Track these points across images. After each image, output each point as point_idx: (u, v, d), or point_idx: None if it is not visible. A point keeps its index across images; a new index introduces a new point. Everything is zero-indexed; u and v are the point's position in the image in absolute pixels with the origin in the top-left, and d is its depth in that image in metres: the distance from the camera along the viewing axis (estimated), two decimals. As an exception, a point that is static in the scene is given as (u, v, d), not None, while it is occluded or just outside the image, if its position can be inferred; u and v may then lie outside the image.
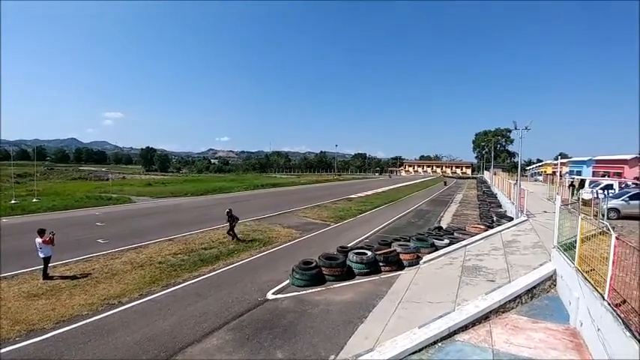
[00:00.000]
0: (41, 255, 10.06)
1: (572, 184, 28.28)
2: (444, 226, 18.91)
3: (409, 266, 11.52)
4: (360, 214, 24.64)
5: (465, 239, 13.85)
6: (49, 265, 10.31)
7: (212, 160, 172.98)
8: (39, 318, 7.71)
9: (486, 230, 15.46)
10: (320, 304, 8.73)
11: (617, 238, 5.63)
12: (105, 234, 15.76)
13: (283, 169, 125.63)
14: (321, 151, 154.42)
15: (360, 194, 38.97)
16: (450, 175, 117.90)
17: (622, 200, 17.26)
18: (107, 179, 54.62)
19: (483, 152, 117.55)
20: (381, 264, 11.23)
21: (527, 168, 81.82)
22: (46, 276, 10.05)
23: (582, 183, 27.29)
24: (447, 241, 13.63)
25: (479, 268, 10.02)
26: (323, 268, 10.41)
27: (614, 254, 5.56)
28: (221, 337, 7.07)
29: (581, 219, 7.73)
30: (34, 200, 25.67)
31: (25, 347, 6.60)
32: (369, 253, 11.38)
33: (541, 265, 9.32)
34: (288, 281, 10.28)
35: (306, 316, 8.05)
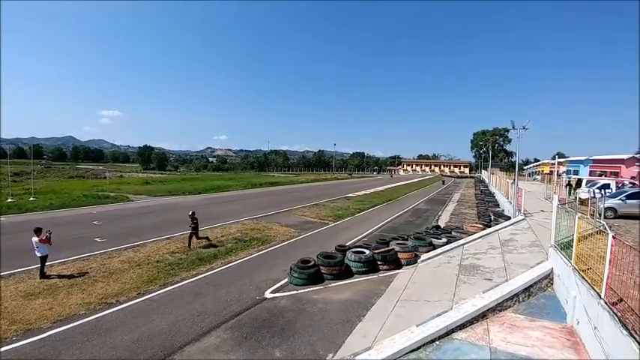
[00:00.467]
0: (38, 254, 10.03)
1: (569, 184, 28.42)
2: (442, 225, 18.94)
3: (407, 265, 11.54)
4: (359, 212, 24.65)
5: (462, 238, 13.88)
6: (46, 264, 10.29)
7: (210, 159, 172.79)
8: (36, 317, 7.69)
9: (484, 229, 15.49)
10: (318, 302, 8.74)
11: (614, 237, 5.66)
12: (102, 233, 15.70)
13: (281, 167, 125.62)
14: (320, 150, 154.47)
15: (358, 193, 39.00)
16: (448, 174, 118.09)
17: (619, 199, 17.35)
18: (104, 178, 54.47)
19: (481, 151, 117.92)
20: (379, 263, 11.24)
21: (525, 167, 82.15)
22: (43, 275, 10.01)
23: (579, 182, 27.43)
24: (444, 239, 13.66)
25: (476, 267, 10.06)
26: (321, 267, 10.42)
27: (610, 253, 5.59)
28: (219, 336, 7.07)
29: (578, 218, 7.78)
30: (31, 199, 25.57)
31: (23, 347, 6.58)
32: (367, 251, 11.39)
33: (538, 263, 9.36)
34: (286, 280, 10.28)
35: (305, 314, 8.05)
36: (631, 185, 23.16)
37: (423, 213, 26.40)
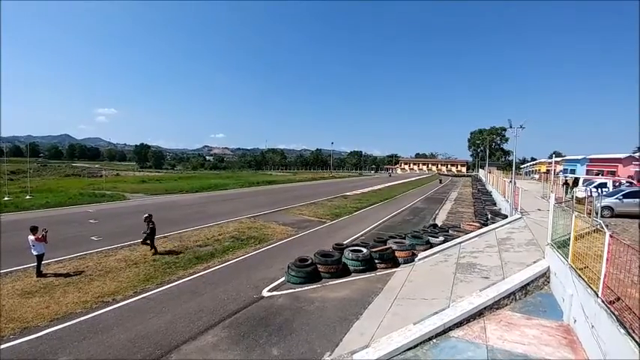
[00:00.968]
0: (34, 252, 9.97)
1: (565, 183, 28.55)
2: (439, 224, 18.97)
3: (404, 263, 11.56)
4: (356, 211, 24.66)
5: (459, 237, 13.90)
6: (43, 262, 10.23)
7: (207, 157, 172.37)
8: (33, 316, 7.64)
9: (481, 228, 15.53)
10: (315, 301, 8.73)
11: (611, 236, 5.68)
12: (99, 231, 15.62)
13: (279, 166, 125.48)
14: (317, 149, 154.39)
15: (355, 192, 39.04)
16: (446, 173, 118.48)
17: (616, 198, 17.44)
18: (101, 176, 54.16)
19: (478, 150, 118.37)
20: (376, 261, 11.25)
21: (522, 166, 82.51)
22: (39, 273, 9.96)
23: (576, 181, 27.55)
24: (441, 238, 13.68)
25: (473, 265, 10.08)
26: (319, 266, 10.41)
27: (607, 252, 5.61)
28: (216, 335, 7.05)
29: (575, 217, 7.81)
30: (27, 197, 25.40)
31: (20, 345, 6.54)
32: (365, 250, 11.40)
33: (535, 262, 9.38)
34: (283, 278, 10.26)
35: (302, 313, 8.05)
36: (628, 184, 23.29)
37: (421, 212, 26.44)
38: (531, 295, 8.31)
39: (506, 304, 7.80)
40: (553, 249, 8.72)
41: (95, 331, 7.10)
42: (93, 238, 14.42)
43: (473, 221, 18.15)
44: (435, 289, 8.76)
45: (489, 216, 19.34)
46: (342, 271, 10.67)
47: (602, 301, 5.50)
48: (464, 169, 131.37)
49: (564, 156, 59.43)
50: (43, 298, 8.55)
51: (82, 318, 7.63)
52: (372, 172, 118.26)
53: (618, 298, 5.27)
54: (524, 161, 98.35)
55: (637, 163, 32.89)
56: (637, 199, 16.82)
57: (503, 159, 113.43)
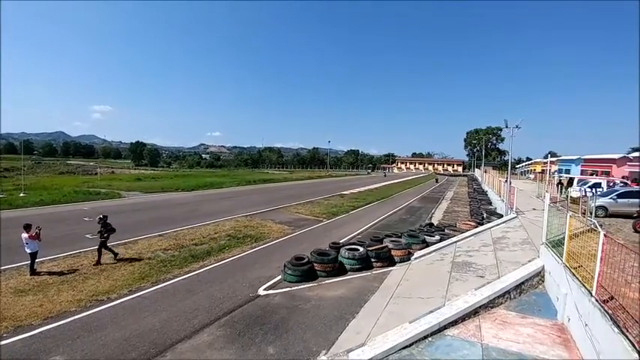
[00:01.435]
0: (28, 250, 9.87)
1: (560, 183, 28.76)
2: (435, 223, 19.05)
3: (401, 262, 11.59)
4: (353, 210, 24.68)
5: (455, 236, 13.97)
6: (36, 260, 10.13)
7: (203, 155, 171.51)
8: (26, 314, 7.58)
9: (477, 227, 15.61)
10: (312, 299, 8.73)
11: (605, 236, 5.72)
12: (93, 229, 15.42)
13: (276, 165, 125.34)
14: (314, 148, 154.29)
15: (352, 190, 39.07)
16: (442, 172, 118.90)
17: (610, 198, 17.59)
18: (96, 174, 53.80)
19: (474, 150, 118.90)
20: (372, 260, 11.26)
21: (518, 166, 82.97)
22: (33, 272, 9.87)
23: (571, 181, 27.75)
24: (437, 237, 13.72)
25: (469, 264, 10.13)
26: (315, 264, 10.41)
27: (602, 251, 5.65)
28: (212, 333, 7.03)
29: (570, 216, 7.86)
30: (21, 195, 25.19)
31: (13, 343, 6.49)
32: (361, 249, 11.41)
33: (530, 261, 9.45)
34: (279, 277, 10.26)
35: (298, 311, 8.04)
36: (622, 184, 23.50)
37: (417, 211, 26.52)
38: (526, 294, 8.37)
39: (501, 303, 7.85)
40: (548, 248, 8.78)
41: (89, 329, 7.05)
42: (87, 236, 14.30)
43: (469, 220, 18.24)
44: (430, 287, 8.80)
45: (485, 215, 19.44)
46: (339, 270, 10.67)
47: (596, 300, 5.54)
48: (460, 169, 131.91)
49: (559, 156, 59.86)
50: (36, 297, 8.48)
51: (76, 316, 7.57)
52: (369, 170, 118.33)
53: (612, 297, 5.31)
54: (519, 161, 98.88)
55: (631, 163, 33.18)
56: (631, 199, 16.97)
57: (499, 159, 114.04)
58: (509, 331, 6.64)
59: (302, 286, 9.61)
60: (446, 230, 15.49)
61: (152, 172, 72.91)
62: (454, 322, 6.96)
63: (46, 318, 7.46)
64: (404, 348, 6.19)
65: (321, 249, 11.53)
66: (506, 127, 21.28)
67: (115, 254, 11.40)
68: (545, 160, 48.19)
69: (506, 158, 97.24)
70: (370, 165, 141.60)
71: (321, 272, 10.37)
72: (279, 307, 8.28)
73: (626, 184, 24.56)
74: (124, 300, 8.52)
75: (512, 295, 8.13)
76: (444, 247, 12.66)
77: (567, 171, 45.24)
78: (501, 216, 17.99)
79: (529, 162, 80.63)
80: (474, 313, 7.32)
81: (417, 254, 12.16)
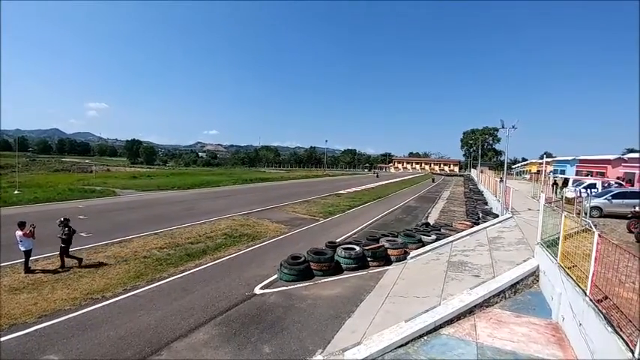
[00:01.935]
0: (22, 248, 9.79)
1: (555, 183, 28.93)
2: (432, 222, 19.10)
3: (397, 261, 11.62)
4: (349, 209, 24.71)
5: (451, 235, 14.01)
6: (31, 258, 10.05)
7: (200, 154, 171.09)
8: (21, 312, 7.53)
9: (472, 227, 15.67)
10: (308, 298, 8.73)
11: (599, 236, 5.76)
12: (88, 227, 15.41)
13: (272, 163, 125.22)
14: (311, 147, 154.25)
15: (349, 190, 39.09)
16: (438, 172, 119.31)
17: (604, 199, 17.71)
18: (91, 171, 53.45)
19: (471, 150, 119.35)
20: (369, 259, 11.29)
21: (513, 166, 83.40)
22: (27, 269, 9.79)
23: (566, 182, 27.91)
24: (433, 236, 13.77)
25: (464, 264, 10.17)
26: (311, 263, 10.41)
27: (596, 251, 5.69)
28: (207, 332, 7.01)
29: (565, 217, 7.90)
30: (16, 192, 24.96)
31: (8, 342, 6.44)
32: (358, 248, 11.42)
33: (525, 261, 9.49)
34: (276, 276, 10.24)
35: (294, 310, 8.04)
36: (617, 185, 23.68)
37: (413, 210, 26.60)
38: (521, 294, 8.41)
39: (496, 302, 7.88)
40: (542, 248, 8.83)
41: (84, 328, 7.01)
42: (82, 234, 14.20)
43: (464, 220, 18.30)
44: (426, 287, 8.82)
45: (481, 215, 19.52)
46: (335, 269, 10.68)
47: (590, 300, 5.58)
48: (456, 169, 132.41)
49: (555, 157, 60.19)
50: (31, 295, 8.42)
51: (71, 315, 7.53)
52: (366, 170, 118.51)
53: (606, 297, 5.35)
54: (515, 161, 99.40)
55: (626, 164, 33.45)
56: (625, 200, 17.10)
57: (495, 159, 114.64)
58: (504, 330, 6.67)
59: (298, 285, 9.61)
60: (442, 230, 15.54)
61: (148, 170, 72.61)
62: (450, 321, 6.98)
63: (41, 316, 7.41)
64: (399, 347, 6.20)
65: (317, 248, 11.54)
66: (503, 127, 21.41)
67: (80, 260, 10.61)
68: (540, 161, 48.47)
69: (502, 158, 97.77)
70: (367, 164, 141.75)
71: (318, 271, 10.37)
72: (275, 306, 8.28)
73: (620, 184, 24.75)
74: (119, 299, 8.47)
75: (507, 295, 8.17)
76: (440, 246, 12.70)
77: (563, 171, 45.51)
78: (497, 216, 18.06)
79: (525, 162, 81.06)
80: (470, 312, 7.35)
81: (413, 253, 12.19)
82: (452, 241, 13.09)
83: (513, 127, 21.19)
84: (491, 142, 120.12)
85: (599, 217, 17.11)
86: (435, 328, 6.74)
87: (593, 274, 5.67)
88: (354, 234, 16.73)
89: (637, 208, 13.48)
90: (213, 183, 40.63)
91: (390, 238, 12.82)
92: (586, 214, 15.62)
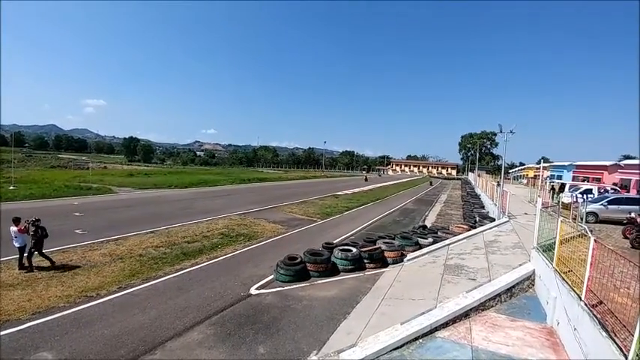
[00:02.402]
0: (16, 244, 9.72)
1: (552, 188, 29.06)
2: (429, 225, 19.14)
3: (393, 264, 11.62)
4: (347, 211, 24.70)
5: (448, 238, 14.05)
6: (25, 254, 9.97)
7: (198, 153, 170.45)
8: (14, 308, 7.48)
9: (469, 230, 15.72)
10: (304, 299, 8.71)
11: (595, 241, 5.78)
12: (84, 225, 15.33)
13: (271, 164, 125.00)
14: (310, 147, 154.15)
15: (346, 191, 39.08)
16: (436, 175, 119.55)
17: (600, 205, 17.81)
18: (87, 168, 53.16)
19: (469, 154, 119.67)
20: (365, 261, 11.28)
21: (511, 171, 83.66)
22: (21, 266, 9.72)
23: (562, 187, 28.04)
24: (430, 239, 13.79)
25: (461, 267, 10.18)
26: (308, 264, 10.40)
27: (592, 256, 5.71)
28: (202, 332, 6.98)
29: (561, 221, 7.94)
30: (11, 188, 24.81)
31: (1, 338, 6.39)
32: (354, 249, 11.42)
33: (520, 265, 9.53)
34: (272, 276, 10.22)
35: (290, 311, 8.02)
36: (613, 191, 23.81)
37: (410, 213, 26.64)
38: (516, 298, 8.43)
39: (492, 306, 7.90)
40: (538, 252, 8.86)
41: (78, 325, 6.96)
42: (77, 231, 14.15)
43: (461, 224, 18.35)
44: (422, 289, 8.83)
45: (477, 219, 19.58)
46: (331, 270, 10.67)
47: (585, 305, 5.60)
48: (454, 172, 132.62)
49: (552, 162, 60.46)
50: (25, 291, 8.36)
51: (65, 312, 7.48)
52: (364, 172, 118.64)
53: (601, 302, 5.38)
54: (512, 166, 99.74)
55: (622, 171, 33.66)
56: (621, 206, 17.21)
57: (492, 163, 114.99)
58: (499, 333, 6.68)
59: (294, 286, 9.59)
60: (439, 233, 15.57)
61: (145, 168, 72.31)
62: (445, 324, 6.99)
63: (35, 313, 7.36)
64: (395, 349, 6.20)
65: (314, 249, 11.52)
66: (501, 131, 21.48)
67: (52, 262, 10.13)
68: (537, 166, 48.67)
69: (499, 163, 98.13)
70: (365, 166, 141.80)
71: (314, 272, 10.36)
72: (271, 307, 8.25)
73: (617, 190, 24.89)
74: (113, 297, 8.42)
75: (502, 298, 8.19)
76: (436, 249, 12.72)
77: (559, 177, 45.75)
78: (494, 220, 18.12)
79: (522, 167, 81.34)
80: (465, 315, 7.37)
81: (409, 256, 12.20)
82: (449, 244, 13.12)
83: (511, 131, 21.28)
84: (489, 146, 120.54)
85: (595, 222, 17.21)
86: (431, 331, 6.75)
87: (589, 279, 5.69)
88: (352, 235, 16.71)
89: (632, 214, 13.56)
90: (210, 182, 40.52)
91: (386, 241, 12.82)
92: (582, 219, 15.70)
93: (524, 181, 57.50)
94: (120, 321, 7.25)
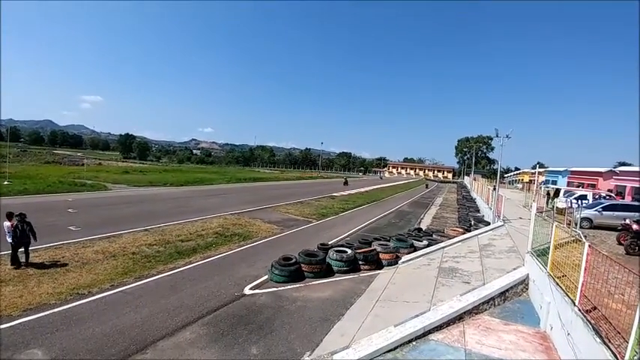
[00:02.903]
0: (9, 240, 9.59)
1: (547, 193, 29.21)
2: (424, 228, 19.17)
3: (388, 266, 11.62)
4: (343, 212, 24.69)
5: (443, 241, 14.07)
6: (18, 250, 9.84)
7: (194, 151, 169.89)
8: (5, 305, 7.37)
9: (464, 233, 15.75)
10: (298, 300, 8.68)
11: (589, 247, 5.80)
12: (77, 221, 15.19)
13: (267, 164, 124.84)
14: (307, 148, 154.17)
15: (343, 192, 39.09)
16: (432, 178, 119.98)
17: (595, 211, 17.93)
18: (82, 164, 52.76)
19: (465, 158, 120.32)
20: (360, 262, 11.27)
21: (506, 175, 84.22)
22: (14, 262, 9.59)
23: (557, 192, 28.20)
24: (425, 242, 13.81)
25: (455, 270, 10.19)
26: (302, 265, 10.36)
27: (586, 262, 5.72)
28: (194, 332, 6.92)
29: (555, 227, 7.96)
30: (5, 183, 24.57)
31: (-9, 334, 6.30)
32: (349, 251, 11.40)
33: (515, 269, 9.55)
34: (266, 277, 10.17)
35: (283, 312, 7.98)
36: (607, 197, 23.99)
37: (406, 215, 26.67)
38: (510, 301, 8.45)
39: (486, 309, 7.91)
40: (533, 257, 8.89)
41: (69, 323, 6.88)
42: (71, 227, 14.01)
43: (456, 227, 18.40)
44: (416, 292, 8.82)
45: (472, 222, 19.64)
46: (326, 272, 10.64)
47: (579, 310, 5.61)
48: (450, 176, 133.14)
49: (547, 167, 60.87)
50: (16, 287, 8.26)
51: (56, 309, 7.38)
52: (360, 174, 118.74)
53: (595, 308, 5.39)
54: (508, 170, 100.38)
55: (617, 177, 33.92)
56: (616, 212, 17.33)
57: (488, 167, 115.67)
58: (493, 337, 6.68)
59: (289, 287, 9.55)
60: (434, 235, 15.61)
61: (141, 165, 71.99)
62: (439, 327, 6.98)
63: (26, 310, 7.26)
64: (388, 351, 6.18)
65: (309, 250, 11.49)
66: (497, 136, 21.62)
67: (26, 260, 9.75)
68: (533, 171, 48.96)
69: (495, 167, 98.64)
70: (362, 168, 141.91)
71: (309, 273, 10.32)
72: (265, 307, 8.20)
73: (611, 197, 25.08)
74: (105, 295, 8.32)
75: (496, 302, 8.20)
76: (431, 252, 12.73)
77: (554, 182, 46.04)
78: (489, 223, 18.18)
79: (517, 172, 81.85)
80: (459, 318, 7.36)
81: (404, 258, 12.21)
82: (443, 247, 13.13)
83: (507, 136, 21.42)
84: (485, 150, 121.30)
85: (590, 228, 17.31)
86: (424, 334, 6.73)
87: (583, 284, 5.70)
88: (347, 237, 16.69)
89: (627, 221, 13.65)
90: (206, 181, 40.39)
91: (382, 242, 12.83)
92: (576, 224, 15.79)
93: (520, 185, 57.91)
94: (111, 319, 7.17)
